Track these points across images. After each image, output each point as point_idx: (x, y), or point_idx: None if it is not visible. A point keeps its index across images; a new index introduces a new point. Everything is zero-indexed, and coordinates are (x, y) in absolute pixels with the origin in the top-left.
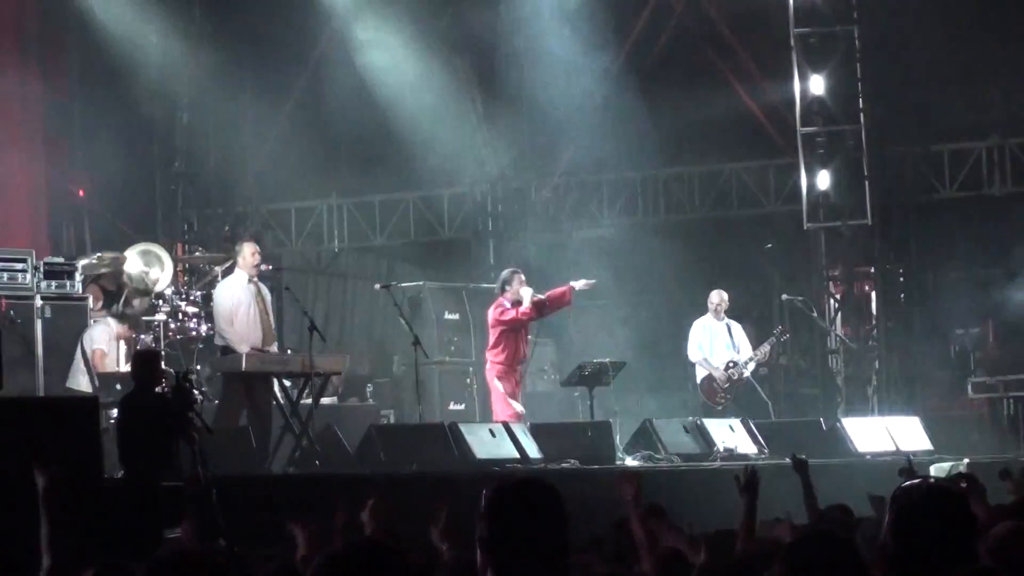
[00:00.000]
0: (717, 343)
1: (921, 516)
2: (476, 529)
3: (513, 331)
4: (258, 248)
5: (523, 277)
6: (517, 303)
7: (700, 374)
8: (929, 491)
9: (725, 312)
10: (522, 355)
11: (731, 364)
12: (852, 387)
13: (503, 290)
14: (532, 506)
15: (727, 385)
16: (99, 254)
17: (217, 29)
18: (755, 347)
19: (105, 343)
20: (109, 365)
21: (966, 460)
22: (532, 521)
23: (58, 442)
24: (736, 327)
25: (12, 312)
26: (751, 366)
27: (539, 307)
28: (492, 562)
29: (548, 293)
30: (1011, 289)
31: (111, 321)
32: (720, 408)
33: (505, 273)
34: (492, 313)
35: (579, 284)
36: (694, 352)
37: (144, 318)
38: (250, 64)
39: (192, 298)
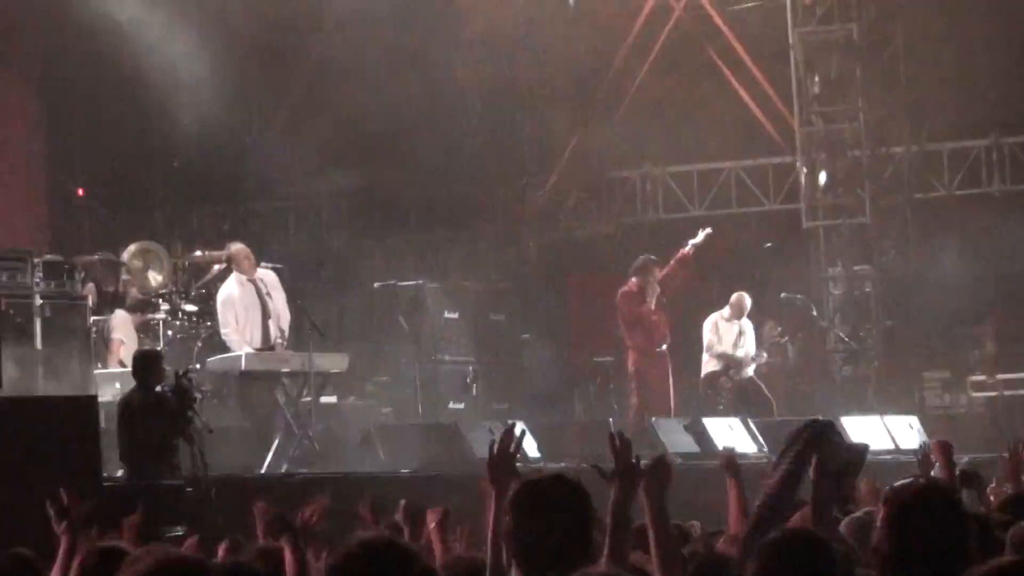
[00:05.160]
0: (725, 342)
1: (914, 516)
2: (502, 523)
3: (637, 321)
4: (248, 249)
5: (656, 271)
6: (643, 291)
7: (704, 371)
8: (922, 491)
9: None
10: (659, 338)
11: (732, 362)
12: (851, 386)
13: (633, 276)
14: (558, 503)
15: (728, 385)
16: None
17: (216, 27)
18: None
19: (124, 333)
20: (126, 356)
21: (965, 459)
22: (558, 517)
23: (57, 442)
24: (748, 328)
25: (11, 311)
26: (751, 368)
27: (661, 303)
28: (517, 555)
29: (664, 275)
30: (1010, 288)
31: (121, 312)
32: (720, 407)
33: (641, 260)
34: (620, 301)
35: (699, 239)
36: (708, 348)
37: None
38: (250, 63)
39: (191, 297)
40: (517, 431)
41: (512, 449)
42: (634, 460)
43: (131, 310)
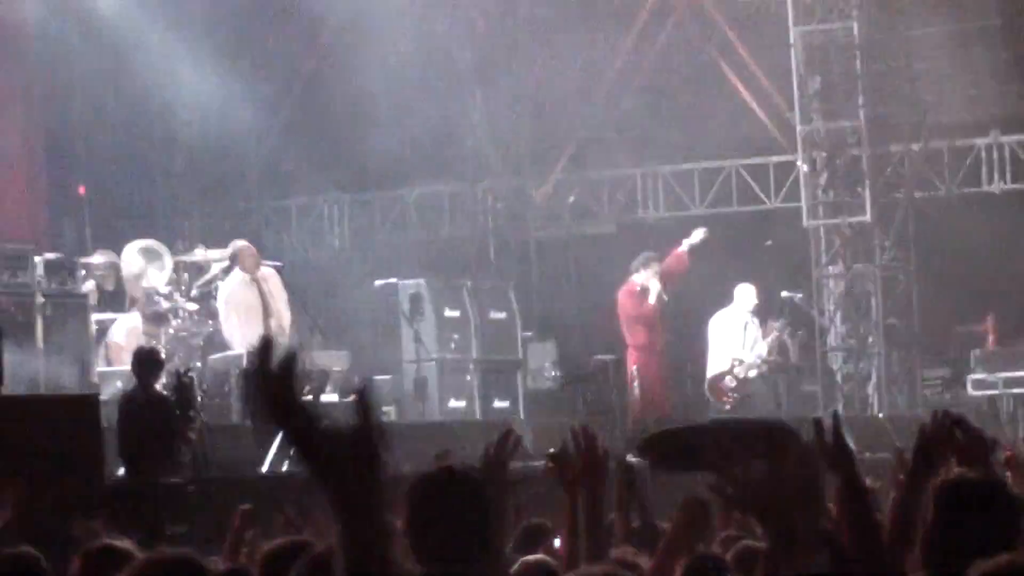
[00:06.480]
0: (732, 340)
1: (967, 509)
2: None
3: (639, 319)
4: (252, 248)
5: (657, 267)
6: (645, 289)
7: (710, 372)
8: (975, 484)
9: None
10: (660, 337)
11: (737, 362)
12: (851, 385)
13: (634, 274)
14: (450, 497)
15: (734, 384)
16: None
17: (218, 26)
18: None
19: (123, 337)
20: (124, 359)
21: None
22: (449, 511)
23: (59, 441)
24: (753, 324)
25: (13, 309)
26: (758, 364)
27: (662, 300)
28: (412, 550)
29: (663, 273)
30: (1009, 288)
31: (137, 317)
32: (728, 408)
33: (642, 257)
34: (621, 300)
35: (695, 239)
36: (715, 348)
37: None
38: (251, 62)
39: (192, 296)
40: (514, 435)
41: (508, 451)
42: (602, 453)
43: (147, 319)
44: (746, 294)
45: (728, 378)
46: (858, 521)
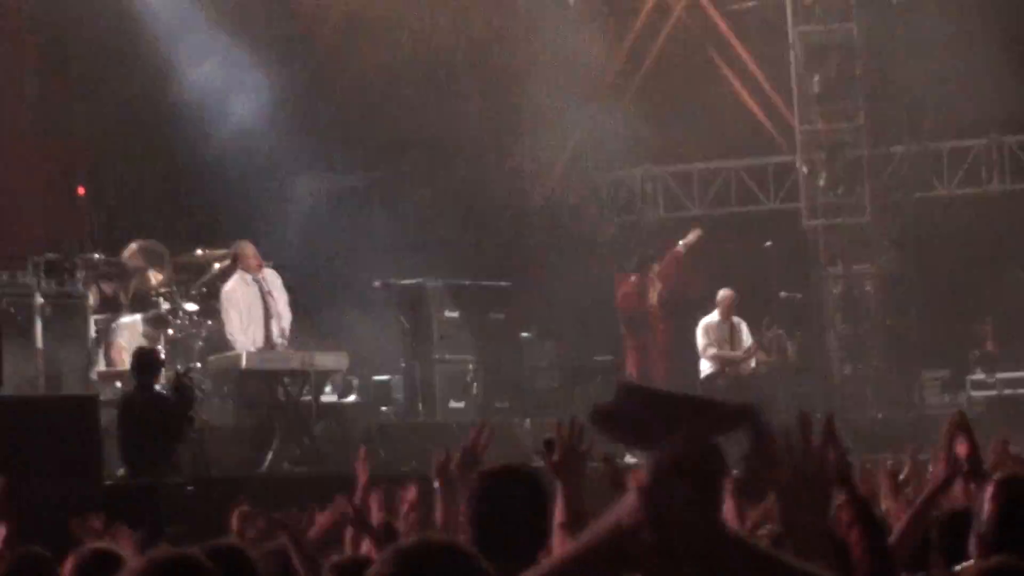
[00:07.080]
0: (720, 343)
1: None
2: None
3: (639, 318)
4: (254, 247)
5: (655, 267)
6: (645, 289)
7: (702, 374)
8: None
9: (734, 312)
10: (660, 336)
11: (728, 363)
12: (851, 385)
13: (633, 274)
14: (512, 492)
15: (726, 384)
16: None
17: (218, 27)
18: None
19: (123, 338)
20: (124, 360)
21: None
22: (510, 507)
23: (58, 442)
24: (742, 326)
25: (12, 310)
26: (751, 364)
27: (661, 300)
28: (474, 542)
29: (661, 273)
30: (1009, 288)
31: (138, 318)
32: None
33: (640, 257)
34: (620, 300)
35: (690, 239)
36: (702, 351)
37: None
38: (251, 63)
39: (192, 296)
40: (487, 429)
41: (481, 446)
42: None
43: (147, 320)
44: (728, 300)
45: (720, 380)
46: (865, 537)
